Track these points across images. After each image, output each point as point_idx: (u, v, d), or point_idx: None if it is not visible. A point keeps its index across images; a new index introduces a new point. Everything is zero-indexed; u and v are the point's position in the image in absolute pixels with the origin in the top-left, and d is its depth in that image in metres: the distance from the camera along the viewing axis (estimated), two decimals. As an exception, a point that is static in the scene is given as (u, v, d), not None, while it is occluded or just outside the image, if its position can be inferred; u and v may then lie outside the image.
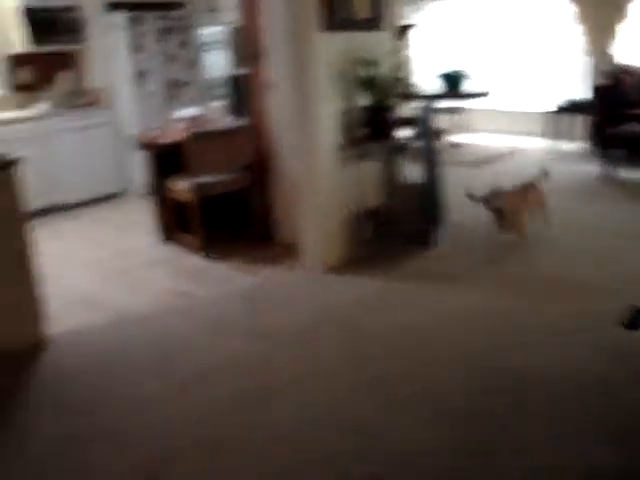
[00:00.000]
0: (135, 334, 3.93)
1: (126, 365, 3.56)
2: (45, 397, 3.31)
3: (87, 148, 7.13)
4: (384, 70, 4.62)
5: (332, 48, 4.46)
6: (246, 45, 5.27)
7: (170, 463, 2.68)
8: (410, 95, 4.99)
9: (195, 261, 5.09)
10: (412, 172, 4.99)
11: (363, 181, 4.77)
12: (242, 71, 5.48)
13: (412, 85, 5.00)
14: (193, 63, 7.72)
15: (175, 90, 7.55)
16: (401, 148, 4.93)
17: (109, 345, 3.82)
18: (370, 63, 4.54)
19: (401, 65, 5.03)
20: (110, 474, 2.66)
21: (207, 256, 5.09)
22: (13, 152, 3.83)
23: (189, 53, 7.69)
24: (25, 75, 7.17)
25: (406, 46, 8.05)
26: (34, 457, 2.80)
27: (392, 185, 4.91)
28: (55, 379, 3.50)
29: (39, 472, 2.70)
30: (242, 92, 5.52)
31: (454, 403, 2.92)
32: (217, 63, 7.60)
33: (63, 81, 7.35)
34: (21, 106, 7.05)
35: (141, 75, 7.34)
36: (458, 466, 2.49)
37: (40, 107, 7.00)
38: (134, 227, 6.15)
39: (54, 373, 3.56)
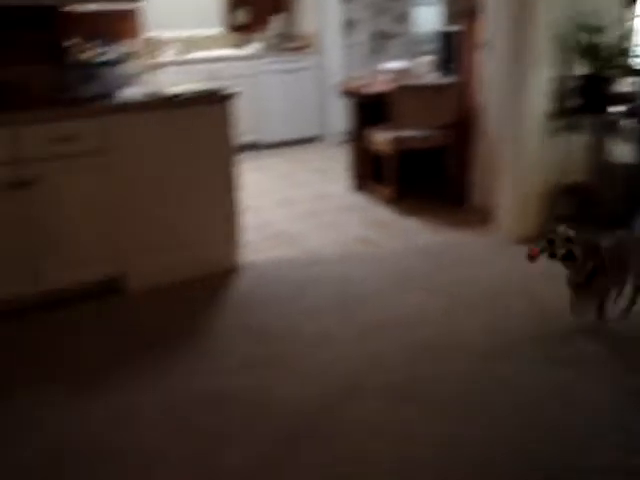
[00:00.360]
0: (321, 274, 4.08)
1: (309, 302, 3.71)
2: (235, 320, 3.55)
3: (292, 91, 7.38)
4: (609, 39, 4.36)
5: (554, 10, 4.26)
6: (460, 1, 5.16)
7: (346, 400, 2.79)
8: (632, 69, 4.67)
9: (385, 212, 5.16)
10: (623, 151, 4.70)
11: (569, 154, 4.56)
12: (454, 28, 5.38)
13: (636, 58, 4.66)
14: (403, 16, 7.69)
15: (382, 42, 7.57)
16: (614, 124, 4.65)
17: (296, 281, 4.00)
18: (595, 30, 4.29)
19: (628, 35, 4.70)
20: (286, 400, 2.81)
21: (398, 208, 5.15)
22: (227, 88, 4.04)
23: (400, 6, 7.66)
24: (242, 16, 7.48)
25: (634, 15, 7.49)
26: (221, 374, 3.05)
27: (599, 162, 4.65)
28: (244, 304, 3.74)
29: (219, 389, 2.93)
30: (452, 49, 5.43)
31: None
32: (428, 18, 7.50)
33: (276, 24, 7.60)
34: (236, 45, 7.40)
35: (350, 24, 7.43)
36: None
37: (253, 47, 7.31)
38: (330, 172, 6.33)
39: (244, 299, 3.80)
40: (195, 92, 3.91)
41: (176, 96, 3.85)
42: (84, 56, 4.17)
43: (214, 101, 3.93)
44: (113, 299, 3.78)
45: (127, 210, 3.79)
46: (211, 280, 3.98)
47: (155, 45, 6.72)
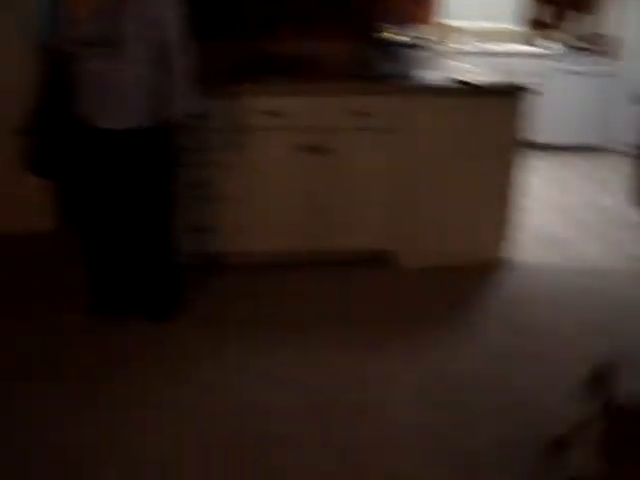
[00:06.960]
0: (587, 285, 3.93)
1: (569, 309, 3.62)
2: (494, 311, 3.60)
3: (581, 95, 7.01)
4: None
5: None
6: None
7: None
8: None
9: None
10: None
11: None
12: None
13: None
14: None
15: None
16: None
17: (560, 286, 3.92)
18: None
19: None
20: (529, 389, 2.78)
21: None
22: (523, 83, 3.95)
23: None
24: (542, 13, 7.25)
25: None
26: (476, 358, 3.12)
27: None
28: (506, 298, 3.76)
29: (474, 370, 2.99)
30: None
31: None
32: None
33: (577, 24, 7.26)
34: (527, 42, 7.20)
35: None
36: None
37: (551, 46, 7.04)
38: (607, 184, 6.01)
39: (506, 293, 3.81)
40: (490, 83, 3.90)
41: (471, 84, 3.86)
42: (385, 36, 4.34)
43: (508, 95, 3.89)
44: (382, 271, 4.00)
45: (405, 190, 3.94)
46: (476, 270, 4.03)
47: (446, 32, 6.78)
